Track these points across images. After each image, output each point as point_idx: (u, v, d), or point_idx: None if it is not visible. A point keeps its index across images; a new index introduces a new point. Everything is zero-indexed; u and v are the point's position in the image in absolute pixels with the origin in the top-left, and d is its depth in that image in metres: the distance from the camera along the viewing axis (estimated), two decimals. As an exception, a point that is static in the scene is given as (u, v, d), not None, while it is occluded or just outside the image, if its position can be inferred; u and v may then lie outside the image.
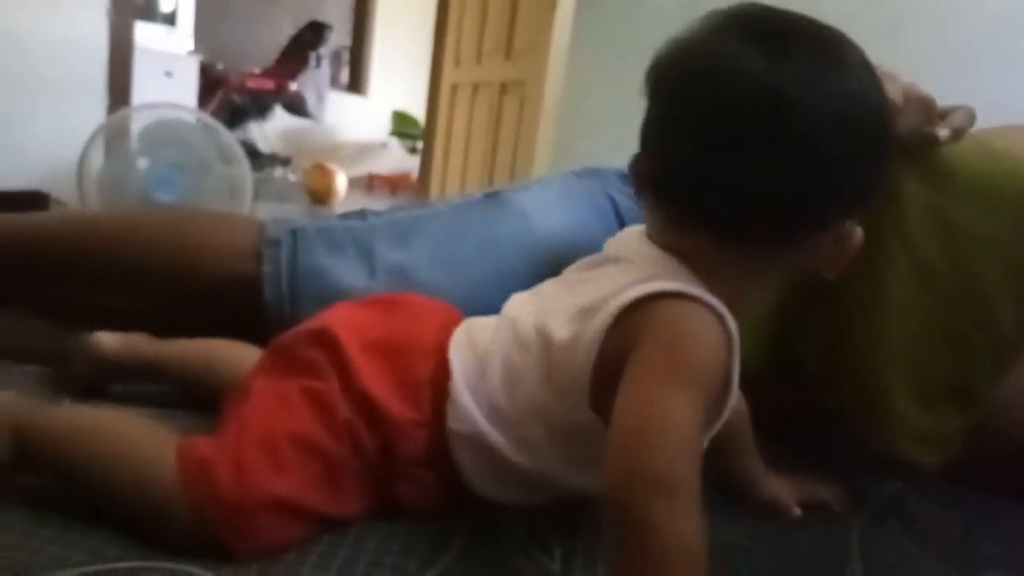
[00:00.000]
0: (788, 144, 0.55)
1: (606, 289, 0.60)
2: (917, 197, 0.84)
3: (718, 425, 0.60)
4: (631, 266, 0.63)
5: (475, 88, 2.94)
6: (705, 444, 0.56)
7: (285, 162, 5.42)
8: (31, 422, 0.60)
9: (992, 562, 0.78)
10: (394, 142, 6.24)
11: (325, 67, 5.48)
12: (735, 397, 0.59)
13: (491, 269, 0.96)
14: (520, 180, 2.45)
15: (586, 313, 0.60)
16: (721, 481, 0.80)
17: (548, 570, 0.62)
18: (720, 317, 0.56)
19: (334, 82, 5.96)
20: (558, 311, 0.63)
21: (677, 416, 0.50)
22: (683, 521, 0.46)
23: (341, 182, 5.19)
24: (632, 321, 0.56)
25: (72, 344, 0.84)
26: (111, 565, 0.53)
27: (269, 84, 5.17)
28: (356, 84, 6.22)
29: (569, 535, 0.67)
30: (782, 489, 0.80)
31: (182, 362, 0.82)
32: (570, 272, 0.73)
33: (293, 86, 5.24)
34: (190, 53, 4.93)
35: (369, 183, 6.17)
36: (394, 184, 6.09)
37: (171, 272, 0.93)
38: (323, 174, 5.15)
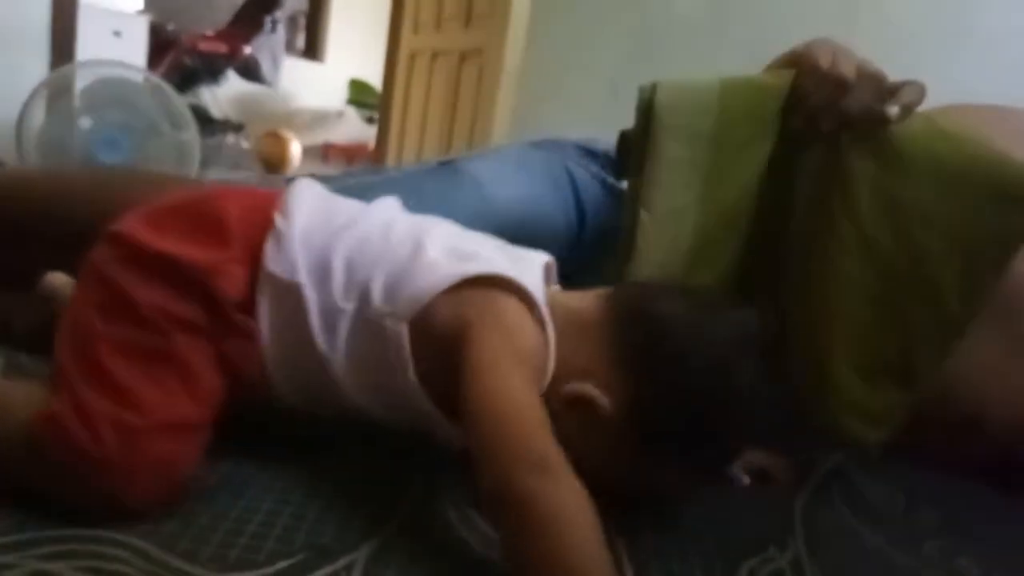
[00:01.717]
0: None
1: (486, 250, 0.66)
2: (866, 175, 0.85)
3: None
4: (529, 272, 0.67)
5: (433, 56, 2.89)
6: None
7: (237, 128, 5.29)
8: None
9: (932, 533, 0.79)
10: (351, 111, 6.13)
11: (280, 31, 5.33)
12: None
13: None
14: (478, 149, 2.43)
15: (457, 255, 0.64)
16: None
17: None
18: (548, 346, 0.63)
19: (289, 47, 5.81)
20: (438, 239, 0.66)
21: (525, 399, 0.55)
22: (566, 490, 0.50)
23: (295, 150, 5.09)
24: (475, 293, 0.62)
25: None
26: (33, 534, 0.51)
27: (222, 47, 5.01)
28: (312, 50, 6.08)
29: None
30: None
31: None
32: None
33: (247, 50, 5.09)
34: (140, 12, 4.75)
35: (324, 152, 6.07)
36: (350, 154, 5.99)
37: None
38: (277, 142, 5.04)
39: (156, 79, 2.64)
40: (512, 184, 1.10)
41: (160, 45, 4.76)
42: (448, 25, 2.78)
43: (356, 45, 5.95)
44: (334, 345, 0.62)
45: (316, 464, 0.68)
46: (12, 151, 2.44)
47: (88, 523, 0.53)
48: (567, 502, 0.50)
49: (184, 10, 5.46)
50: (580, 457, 0.54)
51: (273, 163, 5.03)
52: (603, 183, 1.19)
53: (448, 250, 0.65)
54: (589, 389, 0.62)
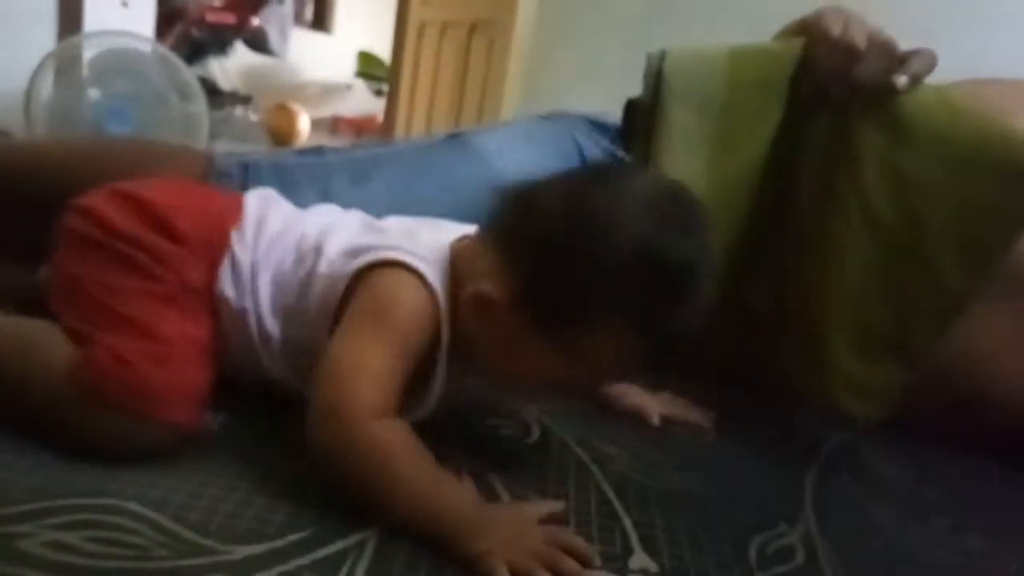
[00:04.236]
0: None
1: (379, 241, 0.67)
2: (873, 146, 0.84)
3: (430, 395, 0.65)
4: (416, 235, 0.70)
5: (443, 27, 2.86)
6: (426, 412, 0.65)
7: (245, 100, 5.26)
8: None
9: (939, 508, 0.79)
10: (360, 83, 6.09)
11: (289, 2, 5.28)
12: (443, 370, 0.65)
13: (449, 211, 0.95)
14: (488, 123, 2.41)
15: (352, 254, 0.67)
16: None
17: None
18: (432, 293, 0.63)
19: (298, 18, 5.75)
20: (335, 241, 0.69)
21: (368, 360, 0.59)
22: (381, 432, 0.57)
23: (304, 123, 5.06)
24: (362, 280, 0.64)
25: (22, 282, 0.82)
26: (48, 503, 0.51)
27: (230, 18, 4.97)
28: (321, 21, 6.02)
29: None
30: (647, 400, 0.88)
31: None
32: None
33: (255, 21, 5.05)
34: (147, -18, 4.72)
35: (333, 125, 6.04)
36: (359, 127, 5.96)
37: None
38: (285, 114, 5.02)
39: (164, 50, 2.63)
40: (520, 158, 1.09)
41: (168, 16, 4.72)
42: (458, -4, 2.76)
43: (365, 16, 5.90)
44: (272, 359, 0.69)
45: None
46: (20, 122, 2.44)
47: (102, 493, 0.53)
48: (381, 434, 0.57)
49: (192, -20, 5.42)
50: (502, 361, 0.64)
51: (281, 136, 5.01)
52: (613, 156, 1.18)
53: (341, 255, 0.68)
54: (478, 286, 0.63)
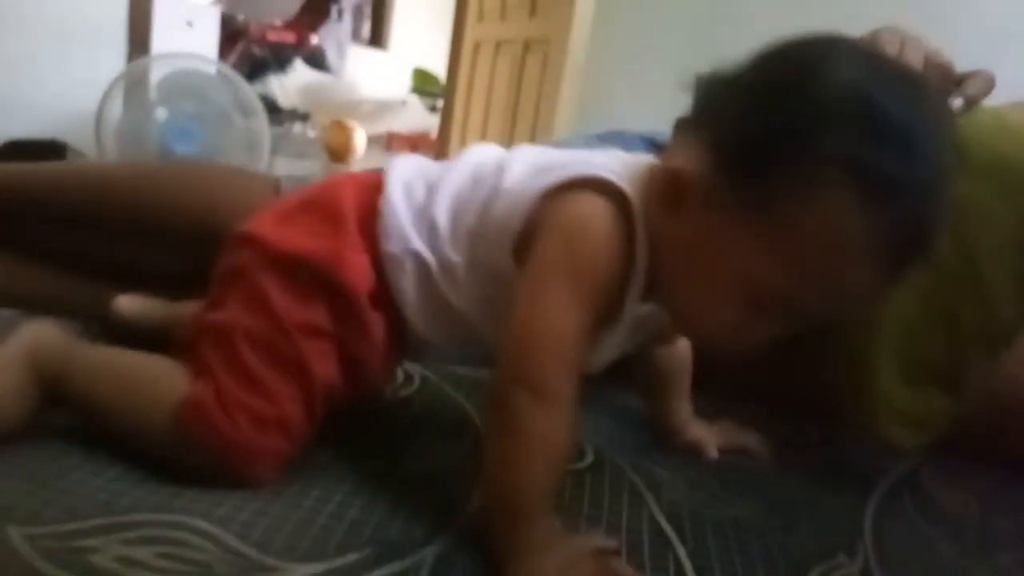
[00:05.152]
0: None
1: (567, 158, 0.64)
2: None
3: (618, 326, 0.63)
4: (601, 156, 0.65)
5: (498, 45, 2.89)
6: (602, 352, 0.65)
7: (304, 117, 5.38)
8: (60, 358, 0.64)
9: (1006, 543, 0.77)
10: (414, 100, 6.17)
11: (346, 20, 5.41)
12: (636, 297, 0.61)
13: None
14: (541, 140, 2.42)
15: (539, 171, 0.63)
16: (651, 422, 0.86)
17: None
18: (628, 214, 0.59)
19: (355, 36, 5.87)
20: (520, 161, 0.67)
21: (559, 325, 0.57)
22: (547, 423, 0.55)
23: (360, 140, 5.15)
24: (550, 202, 0.60)
25: (94, 307, 0.87)
26: (118, 518, 0.53)
27: (290, 37, 5.11)
28: (377, 39, 6.13)
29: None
30: (704, 433, 0.85)
31: None
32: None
33: (314, 39, 5.19)
34: (212, 3, 4.87)
35: (388, 141, 6.13)
36: (413, 143, 6.04)
37: (185, 226, 0.92)
38: (342, 131, 5.11)
39: (227, 69, 2.71)
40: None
41: (230, 35, 4.87)
42: (513, 14, 2.78)
43: (420, 33, 5.98)
44: (459, 293, 0.66)
45: (389, 459, 0.70)
46: (91, 142, 2.53)
47: (170, 509, 0.55)
48: (543, 430, 0.55)
49: (254, 0, 5.58)
50: (695, 277, 0.57)
51: (338, 152, 5.10)
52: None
53: (526, 172, 0.65)
54: (669, 166, 0.57)
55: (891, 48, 0.82)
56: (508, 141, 2.71)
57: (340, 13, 5.24)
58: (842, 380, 0.89)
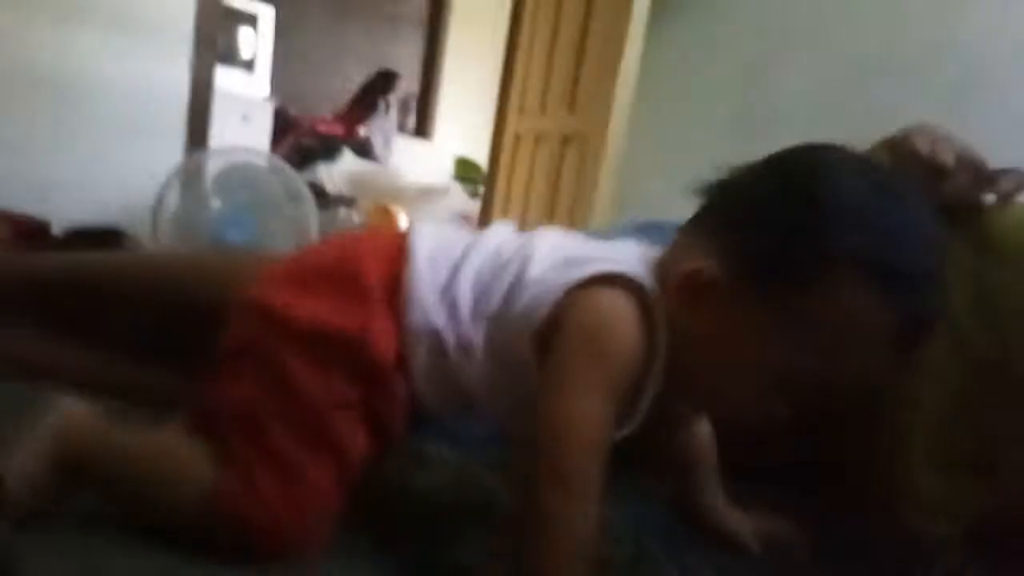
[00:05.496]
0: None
1: (590, 251, 0.66)
2: (959, 261, 0.82)
3: (637, 414, 0.64)
4: (622, 249, 0.68)
5: (538, 138, 2.98)
6: (627, 432, 0.64)
7: (350, 203, 5.55)
8: (87, 440, 0.63)
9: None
10: (456, 187, 6.33)
11: (393, 113, 5.62)
12: (655, 385, 0.63)
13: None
14: (579, 230, 2.46)
15: (564, 265, 0.65)
16: (682, 508, 0.85)
17: None
18: (648, 309, 0.61)
19: (401, 127, 6.09)
20: (544, 249, 0.68)
21: (588, 420, 0.58)
22: (582, 521, 0.57)
23: (403, 224, 5.27)
24: (574, 298, 0.62)
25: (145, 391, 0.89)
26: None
27: (339, 129, 5.32)
28: (422, 130, 6.35)
29: None
30: (743, 524, 0.83)
31: None
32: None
33: (362, 131, 5.39)
34: (266, 98, 5.12)
35: (430, 226, 6.25)
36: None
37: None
38: (385, 215, 5.25)
39: (277, 160, 2.83)
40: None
41: (282, 127, 5.10)
42: (553, 109, 2.87)
43: (463, 124, 6.17)
44: (472, 372, 0.68)
45: (423, 546, 0.70)
46: (147, 230, 2.64)
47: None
48: (579, 529, 0.57)
49: (305, 95, 5.84)
50: (717, 364, 0.60)
51: (382, 237, 5.22)
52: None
53: (551, 263, 0.67)
54: (691, 263, 0.60)
55: (923, 147, 0.84)
56: (547, 229, 2.75)
57: (387, 107, 5.46)
58: (874, 467, 0.87)
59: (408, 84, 5.95)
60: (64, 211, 2.67)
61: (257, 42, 5.45)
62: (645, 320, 0.61)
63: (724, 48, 2.26)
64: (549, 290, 0.64)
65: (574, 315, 0.62)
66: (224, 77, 4.38)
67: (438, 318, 0.67)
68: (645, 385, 0.63)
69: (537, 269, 0.66)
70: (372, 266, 0.69)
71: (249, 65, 5.40)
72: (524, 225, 2.86)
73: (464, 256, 0.71)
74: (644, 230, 1.26)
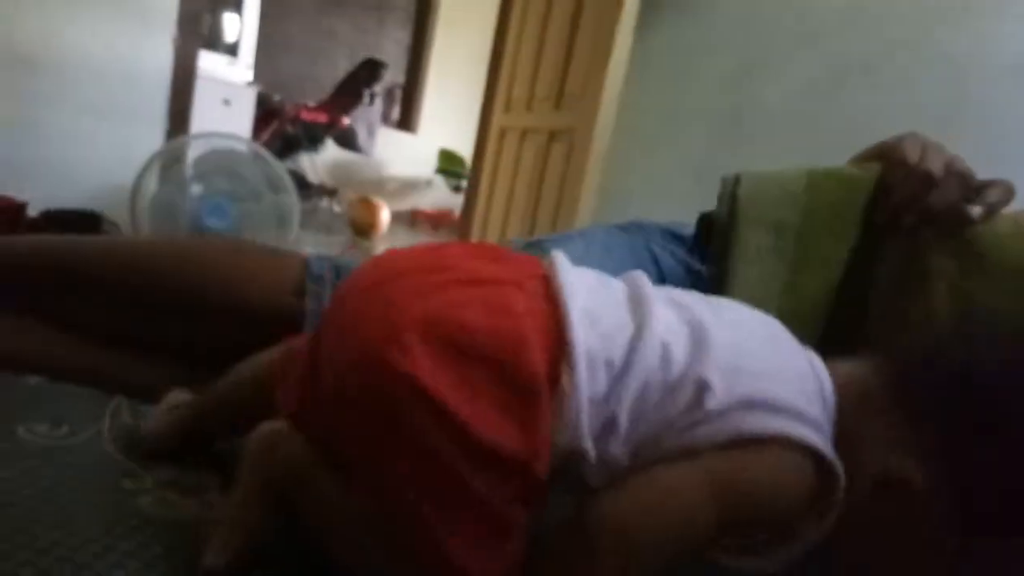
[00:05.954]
0: None
1: (780, 397, 0.55)
2: (946, 274, 0.83)
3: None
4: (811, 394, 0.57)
5: (523, 134, 2.97)
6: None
7: (332, 193, 5.53)
8: (294, 482, 0.57)
9: None
10: (439, 179, 6.33)
11: (378, 104, 5.60)
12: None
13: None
14: (563, 227, 2.46)
15: (746, 404, 0.55)
16: None
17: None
18: (833, 479, 0.53)
19: (385, 119, 6.08)
20: (715, 364, 0.56)
21: (688, 513, 0.52)
22: None
23: (384, 216, 5.26)
24: (752, 448, 0.54)
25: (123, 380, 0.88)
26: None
27: (322, 117, 5.29)
28: (407, 122, 6.33)
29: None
30: None
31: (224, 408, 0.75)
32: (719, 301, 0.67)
33: (346, 121, 5.36)
34: (249, 83, 5.08)
35: (412, 218, 6.25)
36: (436, 221, 6.15)
37: (219, 303, 0.95)
38: (367, 207, 5.23)
39: (259, 148, 2.80)
40: (597, 268, 1.12)
41: (265, 114, 5.06)
42: (539, 105, 2.87)
43: (448, 118, 6.17)
44: (599, 483, 0.56)
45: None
46: (125, 213, 2.60)
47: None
48: None
49: (289, 82, 5.80)
50: (874, 558, 0.54)
51: (363, 228, 5.21)
52: (687, 268, 1.20)
53: (735, 396, 0.55)
54: (903, 467, 0.53)
55: (912, 154, 0.84)
56: (530, 224, 2.75)
57: (372, 97, 5.43)
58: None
59: (393, 75, 5.92)
60: (42, 193, 2.63)
61: (241, 26, 5.40)
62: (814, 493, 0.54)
63: (713, 47, 2.26)
64: (723, 430, 0.54)
65: (752, 473, 0.54)
66: (207, 61, 4.34)
67: (587, 438, 0.55)
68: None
69: (717, 401, 0.55)
70: (538, 356, 0.54)
71: (232, 49, 5.36)
72: (507, 223, 2.82)
73: (627, 364, 0.56)
74: (628, 230, 1.26)
